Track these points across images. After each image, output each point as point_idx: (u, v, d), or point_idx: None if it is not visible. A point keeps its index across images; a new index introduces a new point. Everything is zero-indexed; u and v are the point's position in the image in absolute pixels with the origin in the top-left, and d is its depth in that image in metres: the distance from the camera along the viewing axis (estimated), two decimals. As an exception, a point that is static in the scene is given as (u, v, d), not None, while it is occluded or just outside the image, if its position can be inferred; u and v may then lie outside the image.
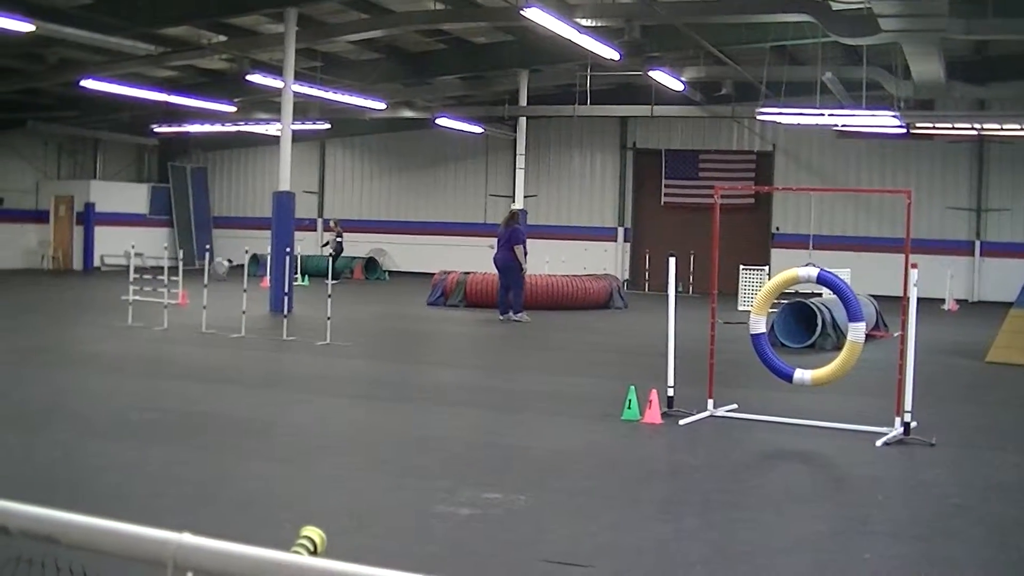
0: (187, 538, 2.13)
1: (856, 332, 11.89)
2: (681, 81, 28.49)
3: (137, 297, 21.22)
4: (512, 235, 24.06)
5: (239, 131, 38.17)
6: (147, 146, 43.70)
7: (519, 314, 23.88)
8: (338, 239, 38.23)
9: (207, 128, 37.08)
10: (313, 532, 2.60)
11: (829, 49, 26.67)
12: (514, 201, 34.39)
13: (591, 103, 32.17)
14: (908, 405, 11.18)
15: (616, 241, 39.67)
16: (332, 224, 39.44)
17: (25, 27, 21.27)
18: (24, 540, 2.39)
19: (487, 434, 11.64)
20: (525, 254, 24.27)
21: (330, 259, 30.16)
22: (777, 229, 37.59)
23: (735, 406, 12.78)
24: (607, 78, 32.00)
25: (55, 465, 9.42)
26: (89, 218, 39.86)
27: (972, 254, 35.58)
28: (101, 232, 39.86)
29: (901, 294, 11.80)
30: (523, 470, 9.78)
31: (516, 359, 18.92)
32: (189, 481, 8.98)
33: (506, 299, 24.09)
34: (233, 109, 33.15)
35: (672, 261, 12.78)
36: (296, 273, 29.21)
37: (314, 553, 2.56)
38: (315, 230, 43.15)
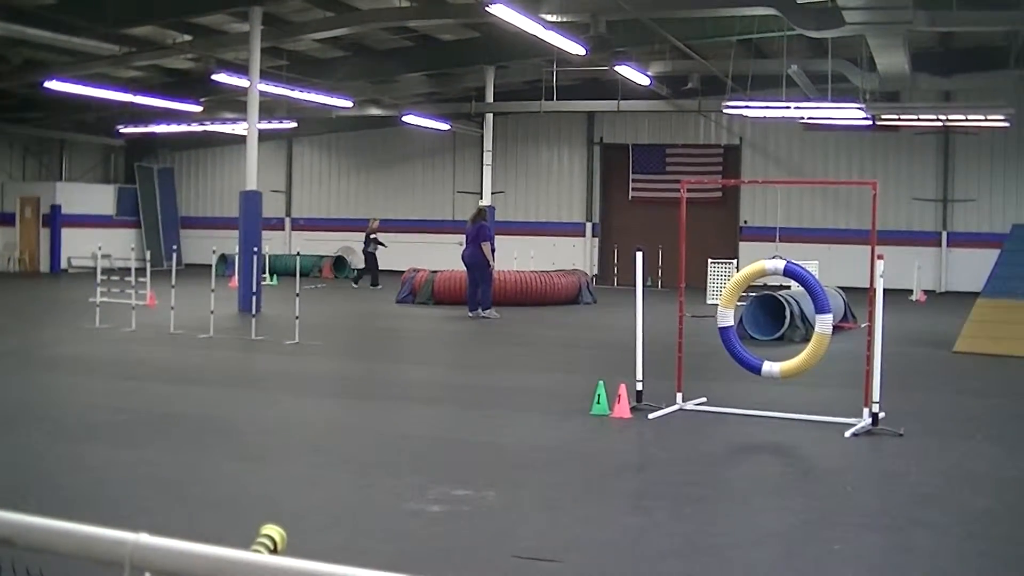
0: (144, 538, 2.11)
1: (823, 324, 11.94)
2: (647, 76, 28.53)
3: (105, 299, 21.11)
4: (479, 232, 24.02)
5: (206, 131, 37.99)
6: (113, 147, 43.47)
7: (488, 311, 23.87)
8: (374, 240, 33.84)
9: (173, 128, 36.90)
10: (273, 530, 2.58)
11: (794, 42, 26.77)
12: (482, 198, 34.37)
13: (558, 99, 32.17)
14: (876, 396, 11.24)
15: (584, 236, 39.72)
16: (372, 224, 34.33)
17: (-13, 28, 21.15)
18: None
19: (456, 431, 11.63)
20: (493, 251, 24.24)
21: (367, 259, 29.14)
22: (745, 222, 37.70)
23: (704, 399, 12.81)
24: (573, 73, 32.01)
25: (24, 468, 9.36)
26: (56, 220, 39.61)
27: (939, 245, 35.76)
28: (68, 234, 39.60)
29: (869, 285, 11.85)
30: (493, 466, 9.77)
31: (485, 356, 18.91)
32: (159, 482, 8.94)
33: (475, 296, 24.08)
34: (199, 109, 32.98)
35: (639, 256, 12.78)
36: (264, 272, 29.14)
37: (274, 551, 2.54)
38: (283, 229, 43.06)
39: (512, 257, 32.42)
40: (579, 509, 8.27)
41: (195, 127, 36.58)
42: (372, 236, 33.47)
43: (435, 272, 28.20)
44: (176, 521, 7.59)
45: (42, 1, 23.72)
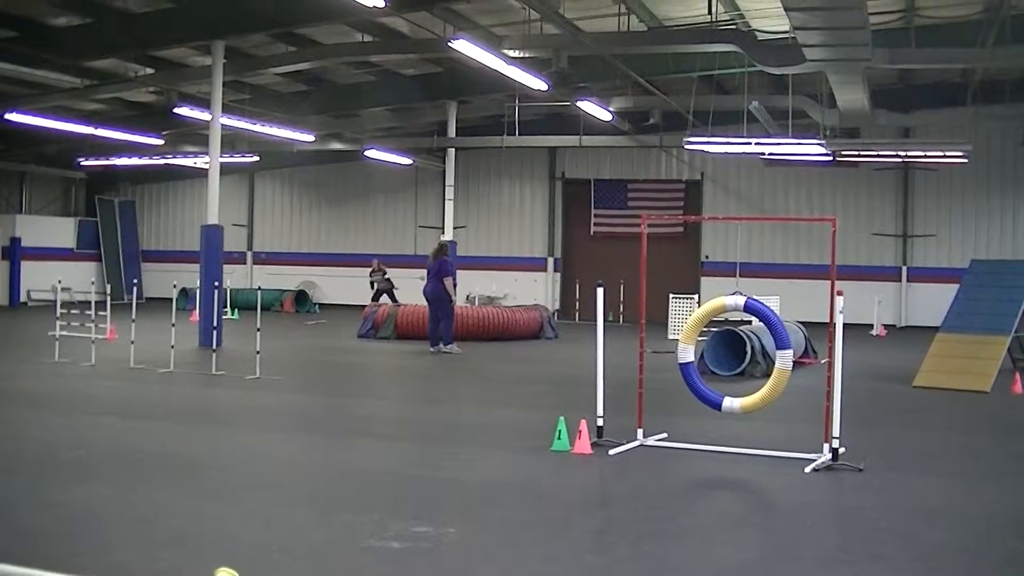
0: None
1: (783, 359, 11.97)
2: (609, 111, 28.64)
3: (64, 332, 20.96)
4: (441, 267, 23.99)
5: (167, 164, 37.88)
6: (74, 179, 43.25)
7: (450, 346, 23.84)
8: (384, 277, 35.99)
9: (135, 161, 36.73)
10: (227, 573, 2.57)
11: (755, 78, 26.95)
12: (443, 232, 34.37)
13: (520, 134, 32.24)
14: (836, 431, 11.27)
15: (546, 271, 39.74)
16: (376, 265, 36.76)
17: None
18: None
19: (417, 467, 11.59)
20: (455, 286, 24.23)
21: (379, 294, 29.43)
22: (707, 257, 37.81)
23: (665, 435, 12.82)
24: (535, 108, 32.10)
25: (-22, 505, 9.28)
26: (15, 253, 39.36)
27: (899, 280, 35.97)
28: (28, 267, 39.36)
29: (829, 320, 11.89)
30: (453, 503, 9.74)
31: (446, 391, 18.87)
32: (118, 518, 8.86)
33: (436, 331, 24.04)
34: (161, 142, 32.91)
35: (600, 291, 12.79)
36: (226, 307, 29.02)
37: (229, 594, 2.53)
38: (244, 263, 42.91)
39: (473, 292, 32.37)
40: (540, 546, 8.26)
41: (157, 160, 36.45)
42: (379, 272, 33.52)
43: (397, 306, 28.19)
44: (135, 558, 7.53)
45: (3, 33, 23.63)
